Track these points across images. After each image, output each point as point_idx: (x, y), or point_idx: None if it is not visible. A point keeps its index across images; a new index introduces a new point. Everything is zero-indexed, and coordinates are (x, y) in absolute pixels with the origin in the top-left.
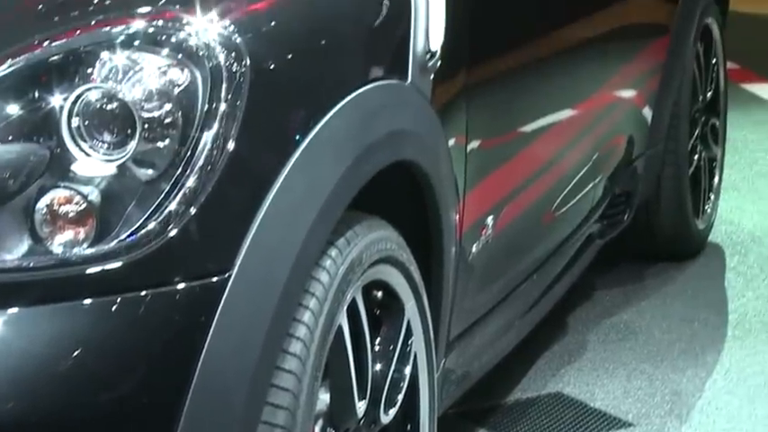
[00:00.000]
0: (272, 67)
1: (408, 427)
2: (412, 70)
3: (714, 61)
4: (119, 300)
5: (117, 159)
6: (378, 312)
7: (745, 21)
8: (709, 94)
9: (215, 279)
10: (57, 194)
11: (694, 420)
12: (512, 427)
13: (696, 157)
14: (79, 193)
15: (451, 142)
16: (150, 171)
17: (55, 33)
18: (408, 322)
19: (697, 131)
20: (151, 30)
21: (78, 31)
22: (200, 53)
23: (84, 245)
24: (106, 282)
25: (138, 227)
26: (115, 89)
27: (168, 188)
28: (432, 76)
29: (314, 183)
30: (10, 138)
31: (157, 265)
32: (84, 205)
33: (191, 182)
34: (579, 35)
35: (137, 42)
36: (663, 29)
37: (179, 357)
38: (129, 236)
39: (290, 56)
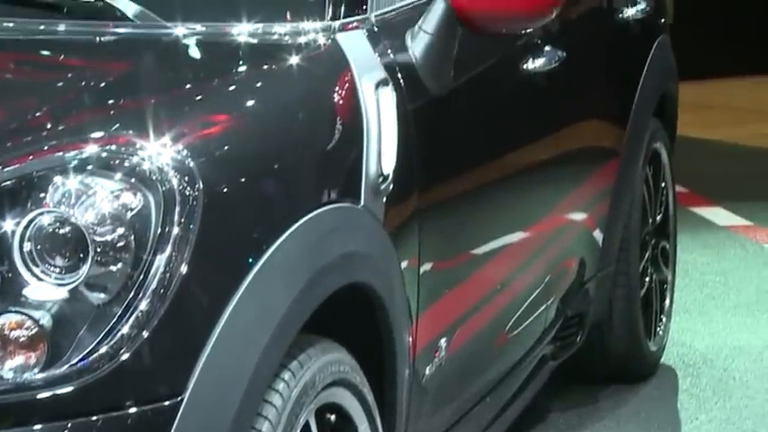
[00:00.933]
0: (225, 190)
1: None
2: (364, 193)
3: (663, 185)
4: (69, 425)
5: (69, 283)
6: None
7: (693, 145)
8: (658, 218)
9: (167, 403)
10: (8, 319)
11: None
12: None
13: (647, 279)
14: (30, 317)
15: (404, 264)
16: (102, 295)
17: (7, 159)
18: None
19: (648, 254)
20: (104, 154)
21: (31, 156)
22: (153, 177)
23: (35, 370)
24: (57, 407)
25: (90, 351)
26: (68, 213)
27: (120, 312)
28: (384, 199)
29: (267, 306)
30: None
31: (109, 390)
32: (35, 330)
33: (143, 305)
34: (530, 159)
35: (90, 167)
36: (612, 153)
37: None
38: (80, 360)
39: (243, 179)
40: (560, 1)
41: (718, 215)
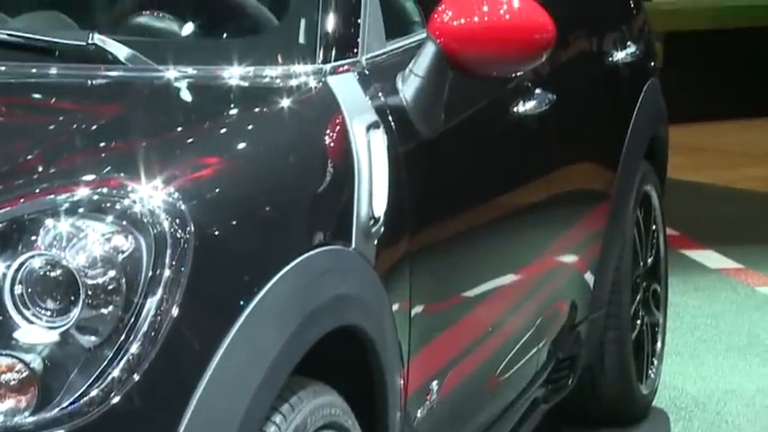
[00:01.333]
0: (216, 233)
1: None
2: (356, 236)
3: (654, 228)
4: None
5: (60, 326)
6: None
7: (684, 188)
8: (650, 260)
9: None
10: None
11: None
12: None
13: (638, 322)
14: (21, 360)
15: (395, 307)
16: (93, 338)
17: None
18: None
19: (639, 297)
20: (96, 197)
21: (22, 199)
22: (145, 220)
23: (26, 413)
24: None
25: (81, 394)
26: (59, 256)
27: (111, 355)
28: (375, 242)
29: (258, 348)
30: None
31: None
32: (25, 373)
33: (134, 348)
34: (521, 202)
35: (81, 209)
36: (603, 196)
37: None
38: (71, 403)
39: (234, 222)
40: (551, 44)
41: (710, 258)
